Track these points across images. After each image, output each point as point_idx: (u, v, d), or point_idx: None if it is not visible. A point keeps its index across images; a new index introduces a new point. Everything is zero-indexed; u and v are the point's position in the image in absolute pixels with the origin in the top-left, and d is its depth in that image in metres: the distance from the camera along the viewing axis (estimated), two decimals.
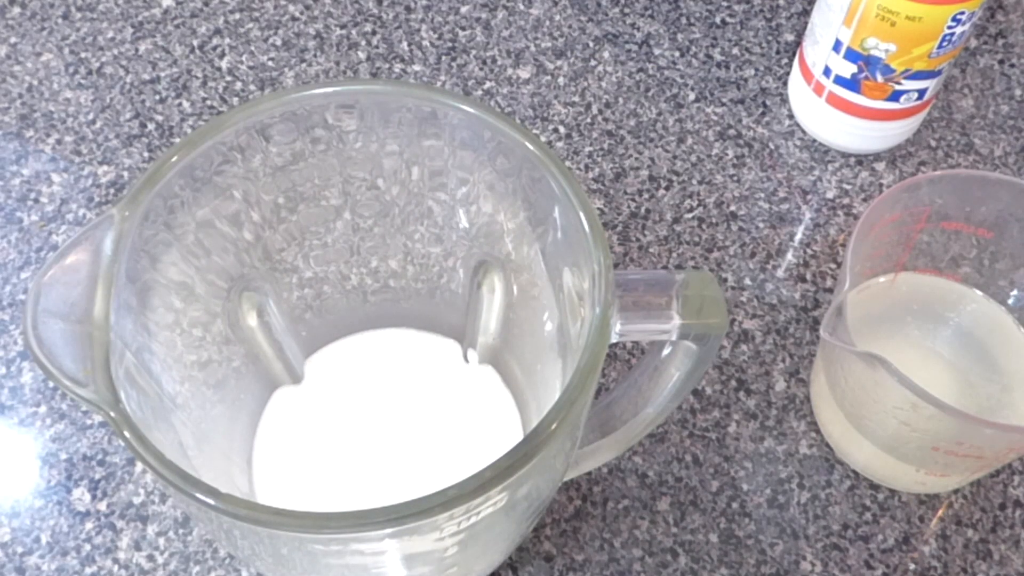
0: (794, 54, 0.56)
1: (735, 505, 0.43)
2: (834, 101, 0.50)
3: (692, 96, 0.55)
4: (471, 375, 0.43)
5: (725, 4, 0.59)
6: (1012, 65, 0.57)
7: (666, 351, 0.34)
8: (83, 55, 0.56)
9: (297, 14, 0.58)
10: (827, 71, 0.49)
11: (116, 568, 0.40)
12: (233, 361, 0.40)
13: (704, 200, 0.51)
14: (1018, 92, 0.56)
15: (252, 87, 0.55)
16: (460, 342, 0.43)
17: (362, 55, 0.56)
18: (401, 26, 0.57)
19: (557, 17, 0.58)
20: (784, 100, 0.55)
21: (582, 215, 0.31)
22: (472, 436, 0.41)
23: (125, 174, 0.51)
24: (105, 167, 0.52)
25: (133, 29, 0.57)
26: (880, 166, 0.53)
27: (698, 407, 0.45)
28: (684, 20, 0.58)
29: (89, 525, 0.41)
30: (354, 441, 0.41)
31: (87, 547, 0.41)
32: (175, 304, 0.35)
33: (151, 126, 0.53)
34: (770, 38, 0.58)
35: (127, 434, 0.27)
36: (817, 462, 0.44)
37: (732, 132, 0.54)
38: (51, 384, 0.45)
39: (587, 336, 0.30)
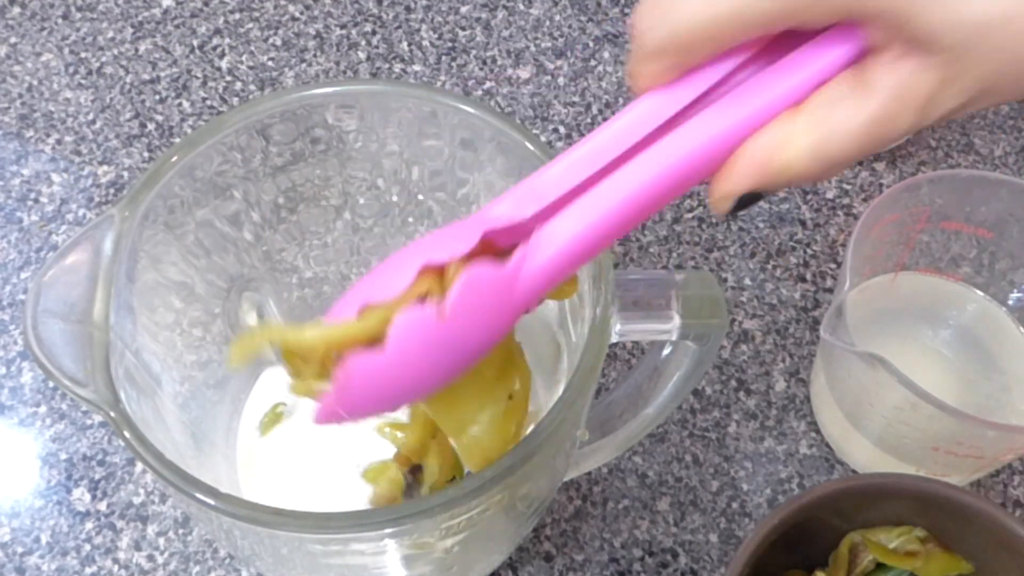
0: None
1: (735, 505, 0.43)
2: None
3: None
4: None
5: None
6: None
7: (666, 351, 0.34)
8: (83, 55, 0.56)
9: (297, 14, 0.58)
10: None
11: (116, 568, 0.40)
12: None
13: (704, 200, 0.51)
14: None
15: (252, 87, 0.55)
16: None
17: (362, 55, 0.56)
18: (401, 26, 0.57)
19: (557, 17, 0.58)
20: None
21: None
22: None
23: (125, 174, 0.51)
24: (105, 167, 0.52)
25: (133, 29, 0.57)
26: (880, 166, 0.53)
27: (698, 407, 0.45)
28: None
29: (89, 525, 0.41)
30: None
31: (87, 547, 0.41)
32: (175, 304, 0.35)
33: (151, 126, 0.53)
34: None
35: (127, 434, 0.27)
36: (817, 462, 0.44)
37: None
38: (51, 384, 0.45)
39: (587, 336, 0.30)
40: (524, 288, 0.24)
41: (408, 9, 0.58)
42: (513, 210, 0.24)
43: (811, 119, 0.22)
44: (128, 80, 0.55)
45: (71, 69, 0.55)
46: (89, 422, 0.44)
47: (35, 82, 0.55)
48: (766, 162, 0.23)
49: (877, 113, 0.22)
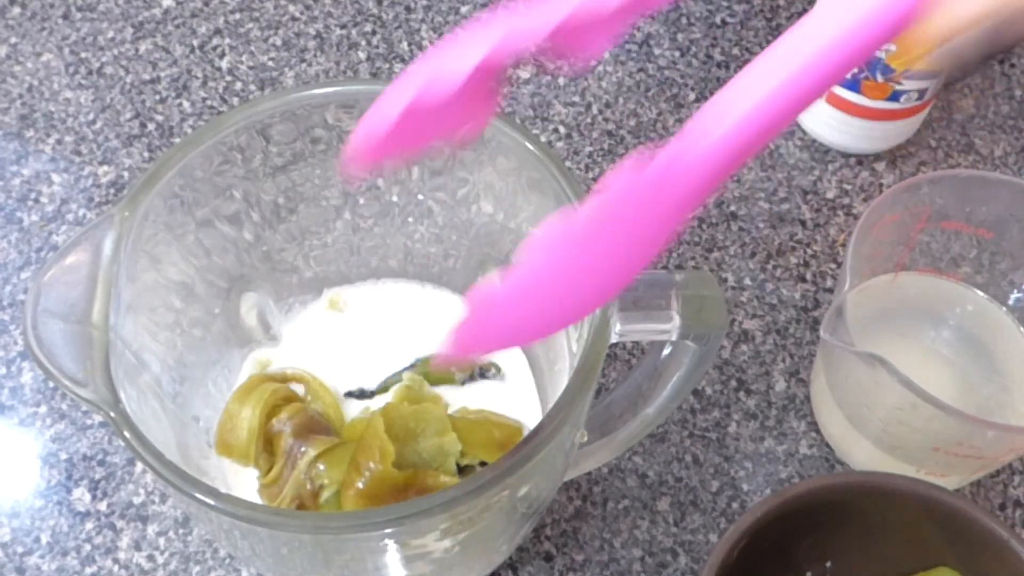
0: None
1: (735, 505, 0.43)
2: (834, 101, 0.50)
3: (692, 96, 0.55)
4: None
5: (725, 4, 0.59)
6: (1012, 65, 0.57)
7: (666, 351, 0.34)
8: (83, 55, 0.56)
9: (297, 14, 0.58)
10: None
11: (116, 568, 0.40)
12: (233, 361, 0.40)
13: (704, 200, 0.51)
14: (1018, 92, 0.56)
15: (252, 87, 0.55)
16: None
17: (362, 55, 0.56)
18: (401, 26, 0.57)
19: None
20: None
21: None
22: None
23: (125, 174, 0.51)
24: (105, 167, 0.52)
25: (133, 29, 0.57)
26: (880, 166, 0.53)
27: (698, 407, 0.45)
28: (684, 20, 0.58)
29: (89, 525, 0.41)
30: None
31: (87, 547, 0.41)
32: (175, 304, 0.35)
33: (151, 126, 0.53)
34: (770, 38, 0.58)
35: (127, 434, 0.27)
36: (817, 462, 0.44)
37: None
38: (51, 384, 0.45)
39: (587, 336, 0.30)
40: (681, 190, 0.22)
41: (408, 9, 0.58)
42: None
43: None
44: (128, 80, 0.55)
45: (71, 69, 0.55)
46: (89, 422, 0.44)
47: (35, 82, 0.55)
48: None
49: None
